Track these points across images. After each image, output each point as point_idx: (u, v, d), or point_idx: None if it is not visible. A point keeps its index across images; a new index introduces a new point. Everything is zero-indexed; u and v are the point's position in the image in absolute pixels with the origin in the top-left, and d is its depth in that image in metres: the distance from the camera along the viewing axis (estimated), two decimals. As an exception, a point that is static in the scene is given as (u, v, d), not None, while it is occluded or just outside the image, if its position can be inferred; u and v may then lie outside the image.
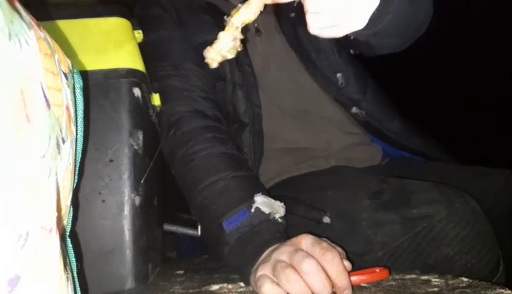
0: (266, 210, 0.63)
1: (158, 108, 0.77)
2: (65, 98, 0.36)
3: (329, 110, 0.89)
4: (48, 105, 0.31)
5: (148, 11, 0.87)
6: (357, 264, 0.58)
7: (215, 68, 0.82)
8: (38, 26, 0.33)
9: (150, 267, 0.64)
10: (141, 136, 0.62)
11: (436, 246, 0.60)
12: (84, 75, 0.60)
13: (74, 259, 0.39)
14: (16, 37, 0.27)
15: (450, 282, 0.53)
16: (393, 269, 0.62)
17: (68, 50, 0.61)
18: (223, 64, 0.82)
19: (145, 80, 0.68)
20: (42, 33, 0.33)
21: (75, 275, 0.38)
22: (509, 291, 0.46)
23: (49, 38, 0.35)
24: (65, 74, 0.37)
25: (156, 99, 0.76)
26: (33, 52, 0.30)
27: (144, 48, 0.78)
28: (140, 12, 0.88)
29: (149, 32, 0.83)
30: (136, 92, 0.63)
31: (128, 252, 0.58)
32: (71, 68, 0.41)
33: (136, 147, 0.61)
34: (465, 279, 0.54)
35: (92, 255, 0.57)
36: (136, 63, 0.65)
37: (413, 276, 0.58)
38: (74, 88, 0.41)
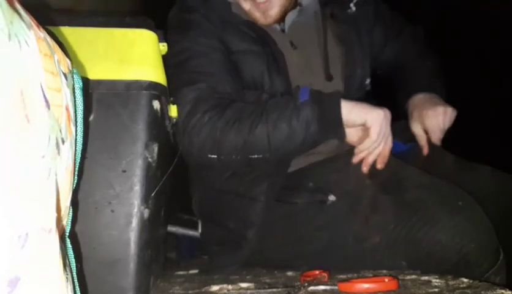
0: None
1: (175, 120, 0.77)
2: (65, 99, 0.36)
3: None
4: (48, 106, 0.31)
5: (188, 15, 0.86)
6: (357, 251, 0.68)
7: (249, 76, 0.86)
8: (38, 26, 0.33)
9: (152, 280, 0.64)
10: (156, 149, 0.62)
11: (427, 230, 0.64)
12: (105, 83, 0.61)
13: (74, 260, 0.39)
14: (15, 38, 0.27)
15: (450, 282, 0.53)
16: (390, 255, 0.68)
17: (92, 58, 0.61)
18: (259, 73, 0.86)
19: (165, 93, 0.68)
20: (42, 34, 0.33)
21: (75, 276, 0.38)
22: (509, 292, 0.46)
23: (48, 39, 0.35)
24: (64, 74, 0.37)
25: (173, 110, 0.76)
26: (33, 53, 0.30)
27: (175, 55, 0.78)
28: (179, 15, 0.87)
29: (184, 38, 0.82)
30: (156, 104, 0.63)
31: (132, 265, 0.58)
32: (70, 69, 0.41)
33: (150, 159, 0.61)
34: (465, 280, 0.54)
35: (96, 264, 0.57)
36: (158, 76, 0.65)
37: (414, 277, 0.59)
38: (74, 88, 0.41)
